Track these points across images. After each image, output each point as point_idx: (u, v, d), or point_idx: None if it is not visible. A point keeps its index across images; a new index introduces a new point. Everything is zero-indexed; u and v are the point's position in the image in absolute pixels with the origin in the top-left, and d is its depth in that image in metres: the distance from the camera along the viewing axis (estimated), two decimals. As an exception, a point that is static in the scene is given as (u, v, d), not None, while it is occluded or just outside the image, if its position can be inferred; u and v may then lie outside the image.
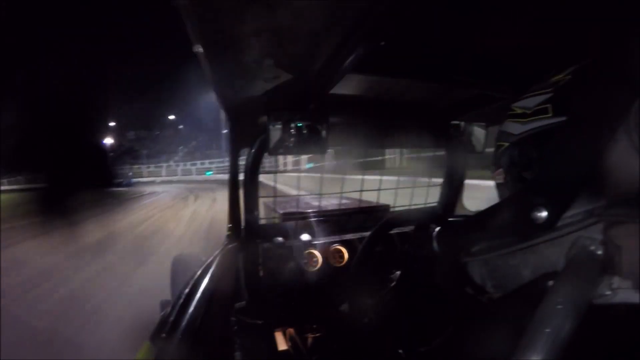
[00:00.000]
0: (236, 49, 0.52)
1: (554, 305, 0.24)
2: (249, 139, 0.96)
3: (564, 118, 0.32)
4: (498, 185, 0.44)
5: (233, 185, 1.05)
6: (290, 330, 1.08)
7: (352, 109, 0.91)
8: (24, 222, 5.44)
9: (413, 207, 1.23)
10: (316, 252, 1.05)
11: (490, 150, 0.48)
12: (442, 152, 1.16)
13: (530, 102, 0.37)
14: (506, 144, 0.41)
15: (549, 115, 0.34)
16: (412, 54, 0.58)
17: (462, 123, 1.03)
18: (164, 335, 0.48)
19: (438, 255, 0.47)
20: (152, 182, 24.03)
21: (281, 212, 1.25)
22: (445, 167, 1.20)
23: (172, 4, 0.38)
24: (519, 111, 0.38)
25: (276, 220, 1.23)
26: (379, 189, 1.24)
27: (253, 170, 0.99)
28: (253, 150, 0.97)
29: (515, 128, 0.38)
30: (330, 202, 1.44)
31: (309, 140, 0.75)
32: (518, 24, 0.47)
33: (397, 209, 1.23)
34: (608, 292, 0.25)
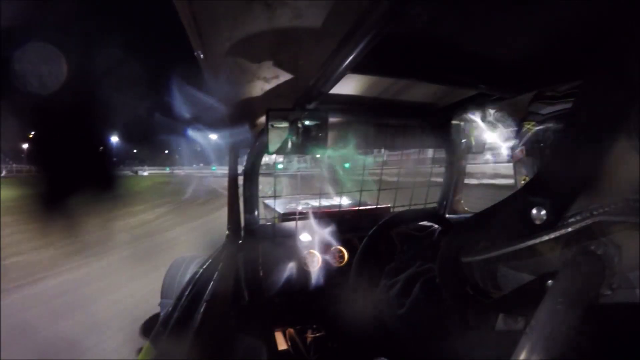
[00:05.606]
0: (236, 51, 0.52)
1: (554, 305, 0.24)
2: (249, 139, 0.96)
3: None
4: (516, 164, 0.47)
5: (233, 185, 1.05)
6: (290, 330, 1.08)
7: (352, 109, 0.91)
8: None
9: (413, 207, 1.23)
10: (316, 252, 1.05)
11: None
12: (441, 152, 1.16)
13: (560, 86, 0.40)
14: (532, 123, 0.44)
15: None
16: (412, 54, 0.58)
17: (462, 123, 1.03)
18: (164, 335, 0.48)
19: (438, 255, 0.47)
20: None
21: (281, 212, 1.25)
22: (445, 167, 1.20)
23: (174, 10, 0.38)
24: (548, 93, 0.42)
25: (276, 220, 1.23)
26: (379, 189, 1.24)
27: (253, 170, 0.99)
28: (253, 151, 0.97)
29: (543, 109, 0.42)
30: (331, 203, 1.44)
31: (309, 140, 0.75)
32: (518, 25, 0.47)
33: (397, 209, 1.23)
34: (608, 292, 0.25)
